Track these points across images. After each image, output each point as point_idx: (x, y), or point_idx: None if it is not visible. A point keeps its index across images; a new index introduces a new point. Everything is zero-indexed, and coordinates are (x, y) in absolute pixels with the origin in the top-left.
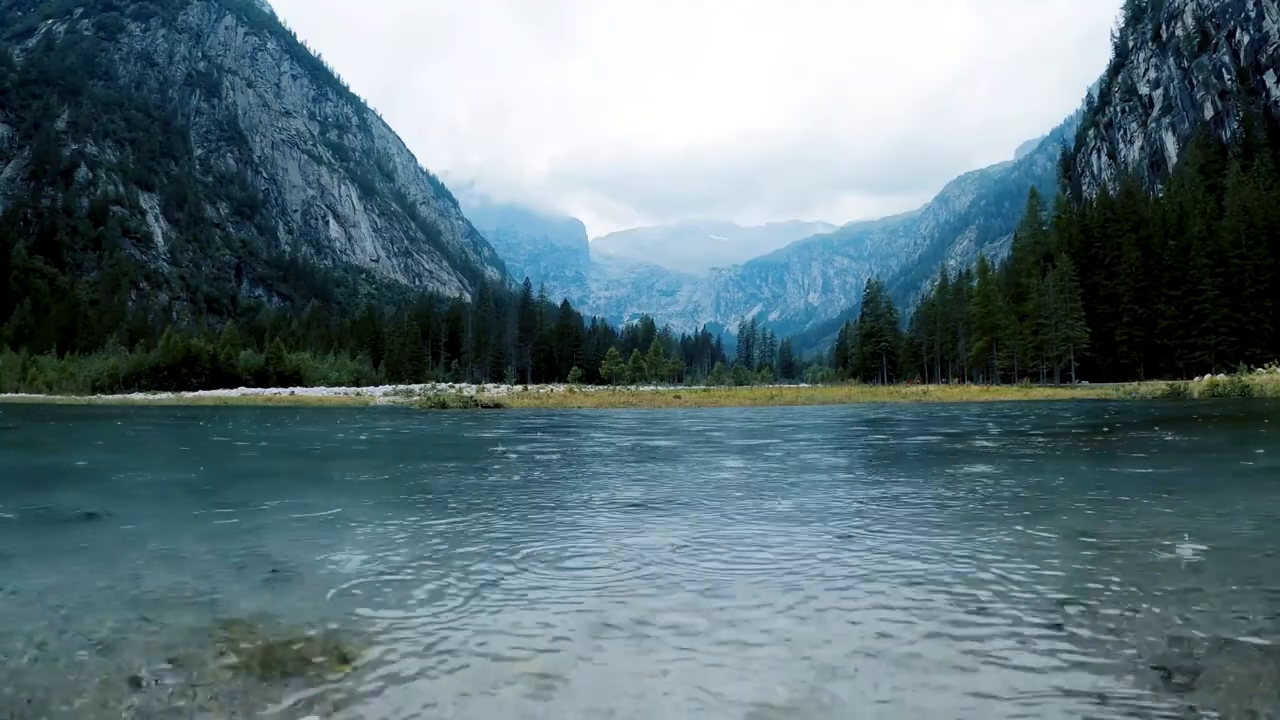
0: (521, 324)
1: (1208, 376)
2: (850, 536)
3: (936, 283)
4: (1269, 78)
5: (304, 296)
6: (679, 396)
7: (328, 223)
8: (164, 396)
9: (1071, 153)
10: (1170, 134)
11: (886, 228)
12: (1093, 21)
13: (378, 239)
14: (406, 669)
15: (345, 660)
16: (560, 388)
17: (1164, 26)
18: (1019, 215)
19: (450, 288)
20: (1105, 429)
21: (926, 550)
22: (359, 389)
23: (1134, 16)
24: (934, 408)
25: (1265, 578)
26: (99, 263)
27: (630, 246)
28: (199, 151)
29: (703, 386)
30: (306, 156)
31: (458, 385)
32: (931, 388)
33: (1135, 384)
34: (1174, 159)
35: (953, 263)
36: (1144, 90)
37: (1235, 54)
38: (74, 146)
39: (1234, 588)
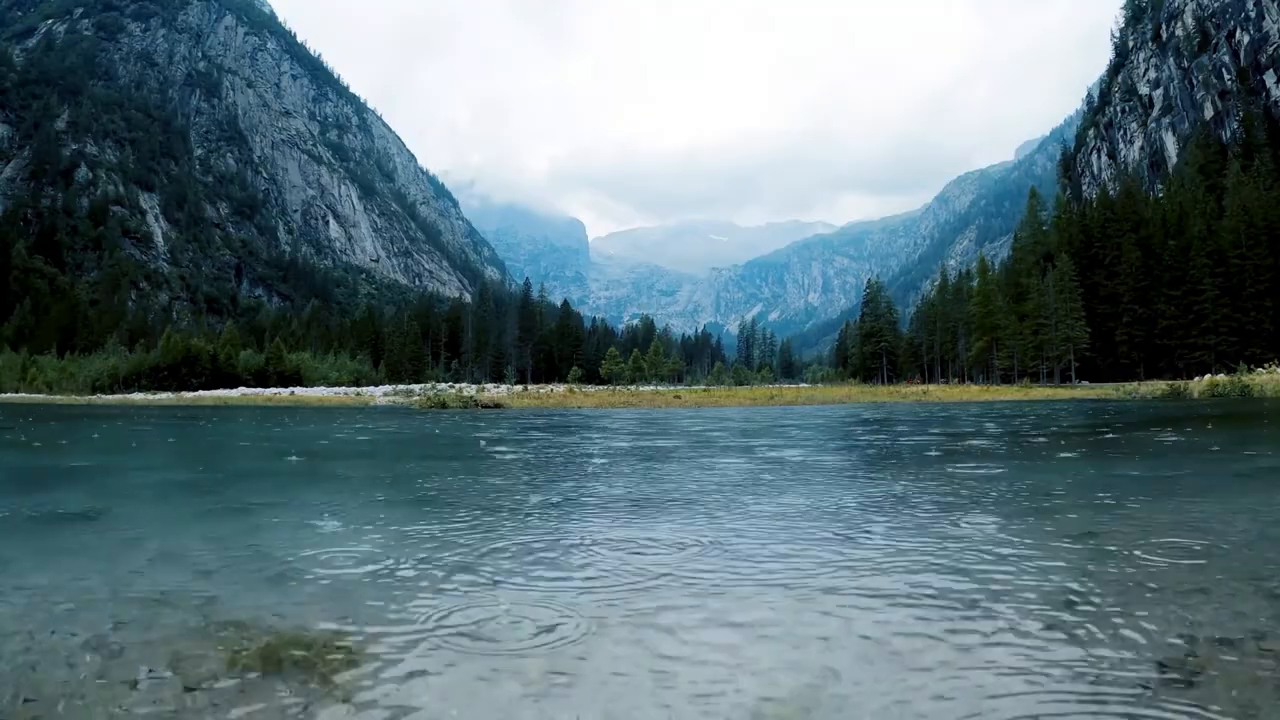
0: (521, 324)
1: (1208, 376)
2: (850, 536)
3: (936, 283)
4: (1269, 78)
5: (304, 296)
6: (679, 396)
7: (328, 223)
8: (164, 396)
9: (1071, 153)
10: (1170, 134)
11: (886, 228)
12: (1093, 21)
13: (378, 239)
14: (407, 668)
15: (345, 660)
16: (560, 388)
17: (1164, 26)
18: (1019, 215)
19: (450, 288)
20: (1105, 429)
21: (926, 550)
22: (359, 389)
23: (1134, 16)
24: (934, 408)
25: (1265, 578)
26: (99, 263)
27: (630, 246)
28: (199, 151)
29: (703, 386)
30: (306, 156)
31: (458, 385)
32: (931, 388)
33: (1135, 384)
34: (1174, 159)
35: (953, 263)
36: (1144, 90)
37: (1235, 54)
38: (74, 146)
39: (1234, 588)
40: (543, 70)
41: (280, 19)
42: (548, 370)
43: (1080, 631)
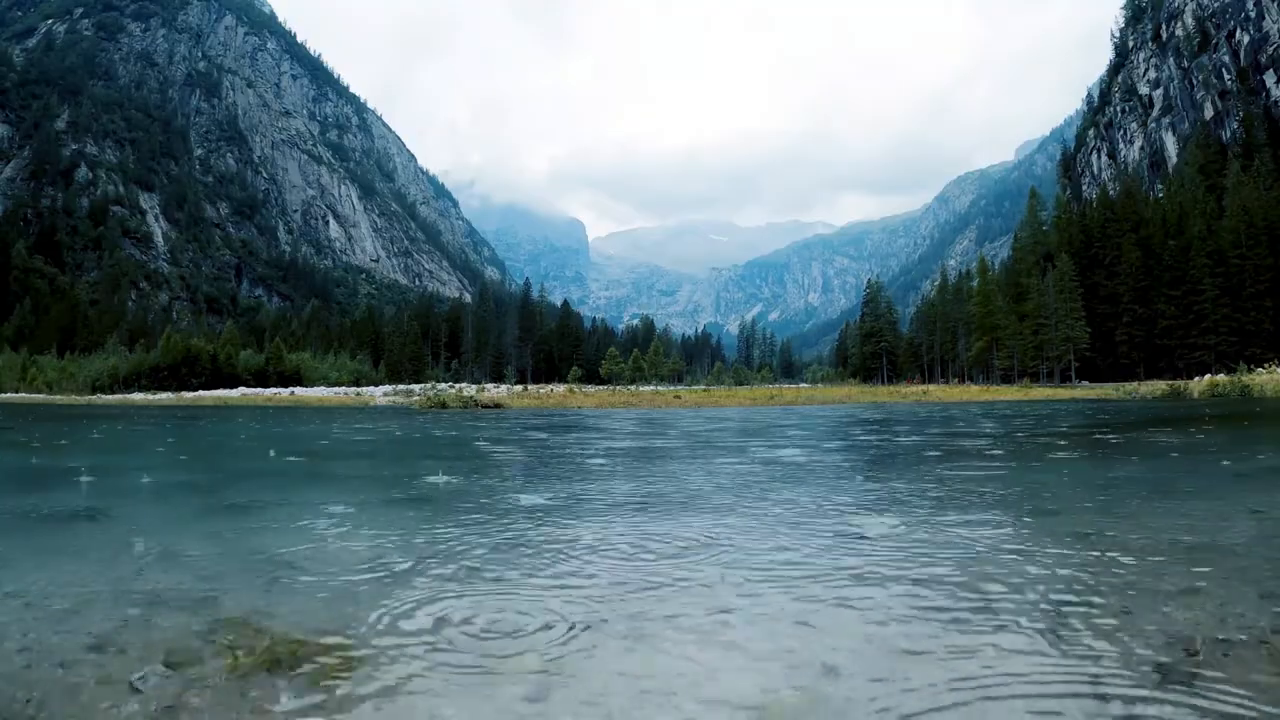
0: (521, 324)
1: (1208, 376)
2: (849, 536)
3: (936, 283)
4: (1269, 78)
5: (304, 296)
6: (679, 396)
7: (328, 223)
8: (164, 396)
9: (1071, 153)
10: (1170, 134)
11: (886, 228)
12: (1093, 21)
13: (378, 239)
14: (407, 668)
15: (346, 660)
16: (560, 388)
17: (1164, 26)
18: (1019, 215)
19: (450, 288)
20: (1105, 429)
21: (926, 549)
22: (359, 389)
23: (1134, 16)
24: (934, 408)
25: (1265, 578)
26: (99, 263)
27: (630, 246)
28: (199, 151)
29: (703, 386)
30: (306, 156)
31: (458, 385)
32: (931, 388)
33: (1135, 384)
34: (1174, 159)
35: (953, 263)
36: (1144, 90)
37: (1235, 54)
38: (74, 146)
39: (1234, 588)
40: (543, 70)
41: (280, 19)
42: (548, 370)
43: (1080, 632)
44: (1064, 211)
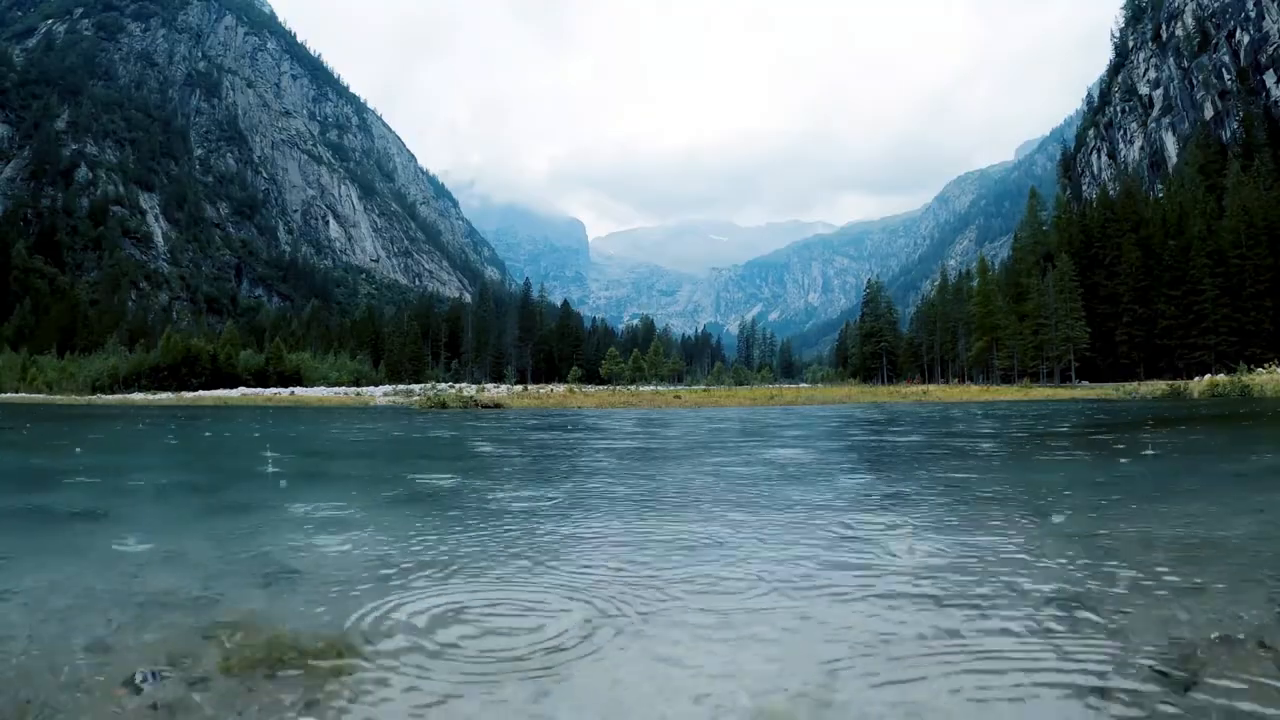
0: (521, 324)
1: (1208, 376)
2: (849, 536)
3: (936, 283)
4: (1269, 78)
5: (304, 296)
6: (679, 396)
7: (328, 223)
8: (164, 397)
9: (1071, 153)
10: (1170, 134)
11: (886, 228)
12: (1093, 21)
13: (378, 239)
14: (407, 668)
15: (345, 659)
16: (560, 388)
17: (1164, 26)
18: (1019, 215)
19: (450, 288)
20: (1104, 429)
21: (926, 549)
22: (359, 389)
23: (1134, 16)
24: (934, 408)
25: (1265, 578)
26: (99, 263)
27: (630, 246)
28: (199, 151)
29: (703, 386)
30: (306, 156)
31: (458, 385)
32: (931, 388)
33: (1135, 384)
34: (1174, 159)
35: (953, 263)
36: (1144, 90)
37: (1235, 54)
38: (74, 146)
39: (1234, 588)
40: (543, 70)
41: (280, 19)
42: (548, 370)
43: (1080, 632)
44: (1064, 211)
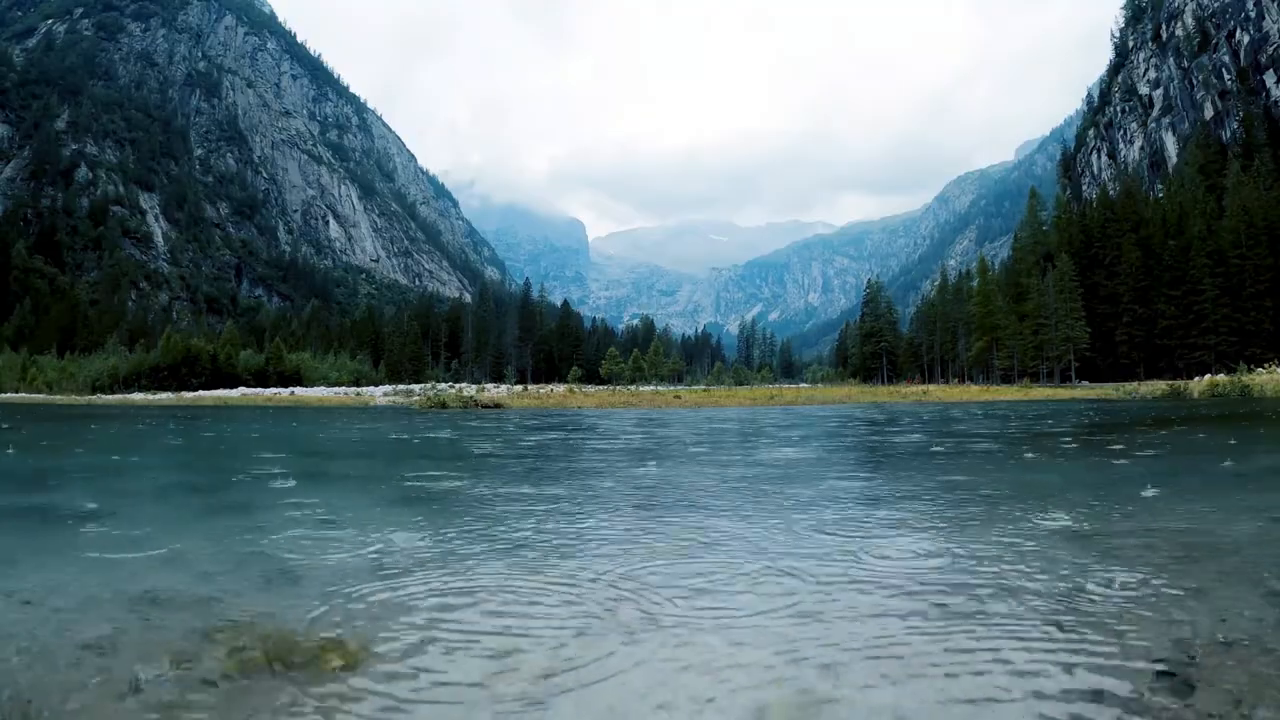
0: (521, 324)
1: (1208, 376)
2: (849, 536)
3: (936, 283)
4: (1269, 78)
5: (304, 296)
6: (679, 396)
7: (328, 223)
8: (164, 397)
9: (1071, 153)
10: (1170, 134)
11: (886, 228)
12: (1093, 21)
13: (378, 239)
14: (407, 668)
15: (346, 660)
16: (560, 388)
17: (1164, 26)
18: (1019, 215)
19: (450, 288)
20: (1105, 429)
21: (925, 549)
22: (359, 389)
23: (1134, 16)
24: (934, 408)
25: (1265, 578)
26: (99, 263)
27: (630, 246)
28: (199, 151)
29: (703, 386)
30: (306, 156)
31: (458, 385)
32: (931, 388)
33: (1135, 384)
34: (1174, 159)
35: (953, 263)
36: (1144, 90)
37: (1235, 54)
38: (74, 146)
39: (1234, 588)
40: (543, 70)
41: (280, 19)
42: (548, 370)
43: (1079, 633)
44: (1064, 211)
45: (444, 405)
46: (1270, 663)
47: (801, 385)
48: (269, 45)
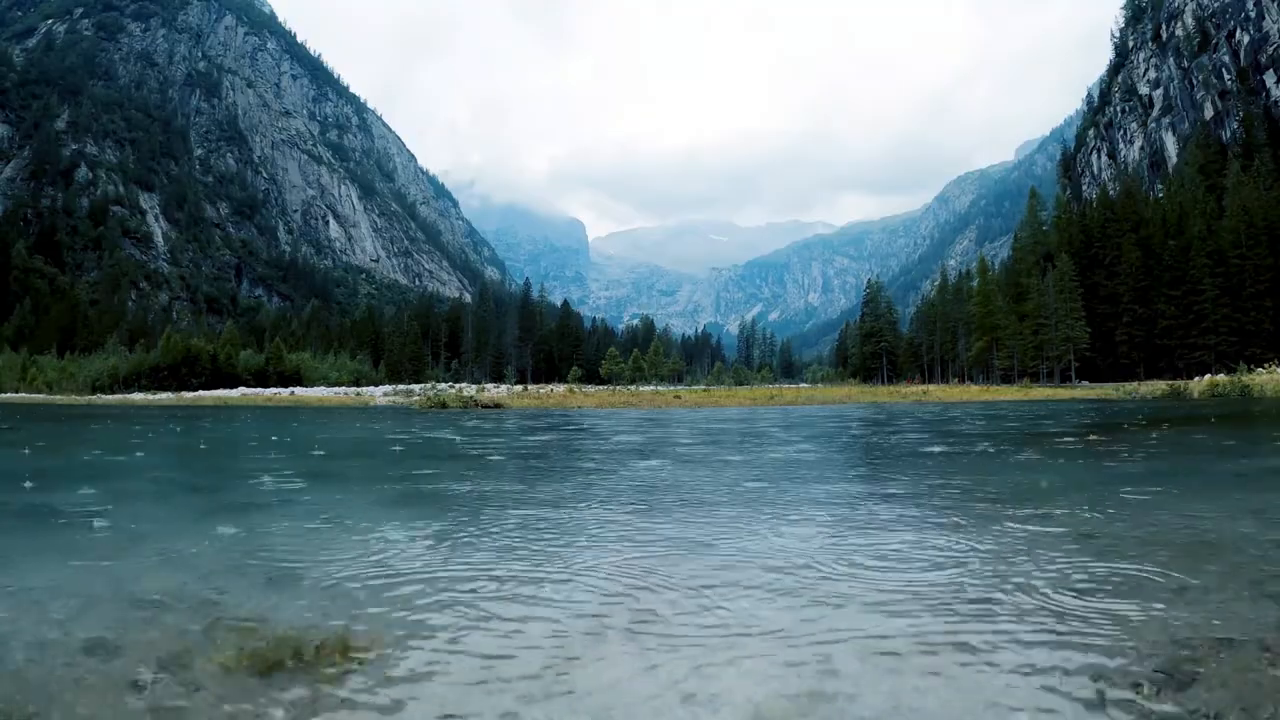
0: (521, 324)
1: (1208, 376)
2: (848, 536)
3: (936, 283)
4: (1269, 78)
5: (304, 296)
6: (679, 396)
7: (328, 223)
8: (164, 396)
9: (1071, 153)
10: (1170, 134)
11: (886, 228)
12: (1093, 21)
13: (378, 239)
14: (407, 668)
15: (346, 660)
16: (560, 388)
17: (1164, 26)
18: (1019, 215)
19: (450, 288)
20: (1105, 429)
21: (925, 550)
22: (359, 389)
23: (1134, 16)
24: (934, 408)
25: (1265, 578)
26: (99, 263)
27: (630, 246)
28: (199, 151)
29: (703, 386)
30: (306, 156)
31: (458, 385)
32: (931, 388)
33: (1135, 384)
34: (1174, 159)
35: (953, 263)
36: (1144, 90)
37: (1235, 54)
38: (74, 146)
39: (1234, 588)
40: (543, 70)
41: (280, 19)
42: (548, 370)
43: (1080, 632)
44: (1064, 211)
45: (444, 405)
46: (1270, 662)
47: (801, 385)
48: (269, 45)
